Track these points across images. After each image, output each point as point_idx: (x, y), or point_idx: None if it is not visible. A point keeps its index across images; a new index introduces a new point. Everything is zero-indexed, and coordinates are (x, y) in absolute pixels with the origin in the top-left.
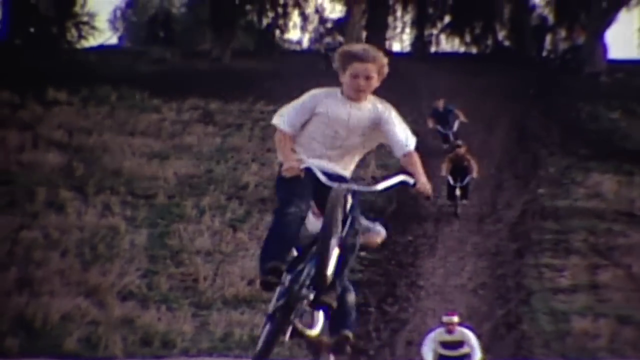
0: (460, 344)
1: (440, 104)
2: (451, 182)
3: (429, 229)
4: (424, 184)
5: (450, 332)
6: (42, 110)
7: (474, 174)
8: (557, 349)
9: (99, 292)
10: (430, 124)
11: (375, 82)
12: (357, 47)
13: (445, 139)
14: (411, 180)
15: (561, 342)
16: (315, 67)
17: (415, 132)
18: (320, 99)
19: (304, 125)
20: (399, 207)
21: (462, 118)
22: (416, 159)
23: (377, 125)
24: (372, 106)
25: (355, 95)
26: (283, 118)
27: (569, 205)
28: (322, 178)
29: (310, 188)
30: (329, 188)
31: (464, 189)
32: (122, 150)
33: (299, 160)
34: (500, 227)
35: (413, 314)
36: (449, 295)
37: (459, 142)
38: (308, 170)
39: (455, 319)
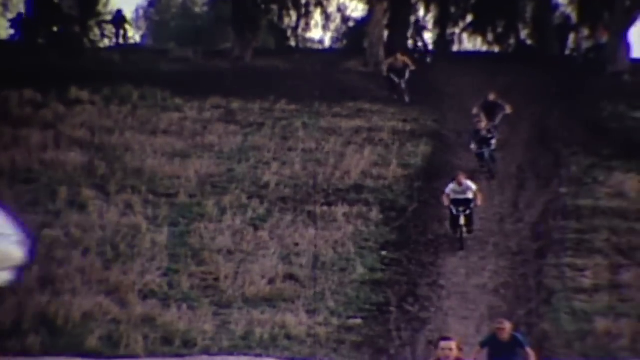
0: None
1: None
2: None
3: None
4: None
5: None
6: (64, 109)
7: None
8: (579, 349)
9: (120, 290)
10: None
11: None
12: None
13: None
14: None
15: (583, 342)
16: (336, 67)
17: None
18: None
19: None
20: (420, 207)
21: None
22: None
23: None
24: None
25: None
26: None
27: (591, 205)
28: None
29: None
30: None
31: None
32: (143, 149)
33: None
34: (521, 227)
35: (434, 313)
36: (470, 295)
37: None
38: None
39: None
